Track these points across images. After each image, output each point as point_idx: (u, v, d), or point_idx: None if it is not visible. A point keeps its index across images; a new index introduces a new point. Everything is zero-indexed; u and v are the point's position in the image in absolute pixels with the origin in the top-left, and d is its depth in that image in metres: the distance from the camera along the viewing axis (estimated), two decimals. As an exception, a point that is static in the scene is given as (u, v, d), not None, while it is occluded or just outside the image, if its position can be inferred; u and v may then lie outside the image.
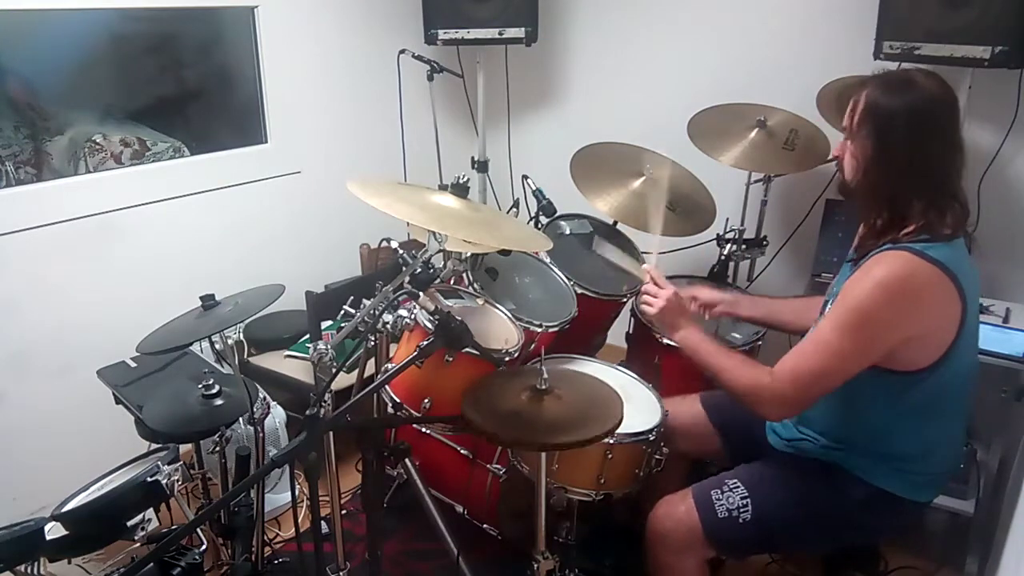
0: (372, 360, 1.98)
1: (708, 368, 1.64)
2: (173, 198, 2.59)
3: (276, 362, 2.61)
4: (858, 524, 1.64)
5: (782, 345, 2.43)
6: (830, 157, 1.63)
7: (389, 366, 1.85)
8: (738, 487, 1.65)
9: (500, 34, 2.86)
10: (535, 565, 1.66)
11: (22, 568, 1.47)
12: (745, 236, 2.55)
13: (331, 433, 1.59)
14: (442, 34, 2.90)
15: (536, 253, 2.31)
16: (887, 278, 1.41)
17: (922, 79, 1.47)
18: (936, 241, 1.43)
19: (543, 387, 1.55)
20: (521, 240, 1.83)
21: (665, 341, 2.17)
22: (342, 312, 1.73)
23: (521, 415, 1.52)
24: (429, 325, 1.65)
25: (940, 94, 1.45)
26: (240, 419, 1.93)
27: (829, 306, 1.60)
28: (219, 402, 1.82)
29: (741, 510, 1.62)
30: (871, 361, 1.46)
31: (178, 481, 1.63)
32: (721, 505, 1.63)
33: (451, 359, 1.70)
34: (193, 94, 3.19)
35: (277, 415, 2.42)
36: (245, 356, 2.67)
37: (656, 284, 1.79)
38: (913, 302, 1.41)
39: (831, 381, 1.48)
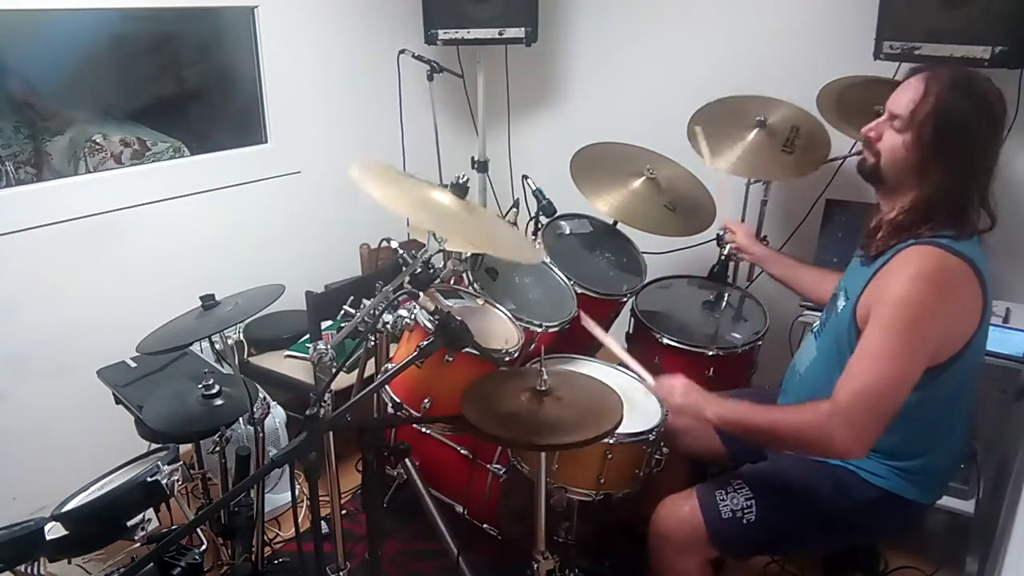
0: (372, 360, 1.98)
1: (759, 429, 1.54)
2: (173, 198, 2.59)
3: (276, 362, 2.61)
4: (862, 525, 1.64)
5: (781, 346, 2.45)
6: (863, 132, 1.57)
7: (389, 366, 1.85)
8: (743, 488, 1.65)
9: (500, 34, 2.86)
10: (535, 565, 1.66)
11: (22, 568, 1.47)
12: (745, 236, 2.55)
13: (331, 433, 1.59)
14: (442, 34, 2.90)
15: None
16: (923, 270, 1.41)
17: (988, 86, 1.47)
18: (960, 238, 1.44)
19: (543, 388, 1.55)
20: (511, 247, 1.80)
21: (665, 341, 2.18)
22: (342, 312, 1.73)
23: (521, 416, 1.52)
24: (429, 325, 1.65)
25: (1002, 101, 1.47)
26: (240, 419, 1.93)
27: (840, 302, 1.60)
28: (219, 402, 1.82)
29: (745, 511, 1.62)
30: (926, 360, 1.42)
31: (178, 481, 1.62)
32: (725, 506, 1.63)
33: (451, 359, 1.70)
34: (193, 94, 3.19)
35: (277, 415, 2.42)
36: (245, 356, 2.67)
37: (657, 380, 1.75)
38: (948, 293, 1.42)
39: (896, 391, 1.39)
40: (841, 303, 1.60)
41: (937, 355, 1.45)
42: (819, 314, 1.79)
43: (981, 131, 1.45)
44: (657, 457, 1.84)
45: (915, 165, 1.49)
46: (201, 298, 1.83)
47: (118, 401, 2.02)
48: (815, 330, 1.74)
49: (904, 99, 1.49)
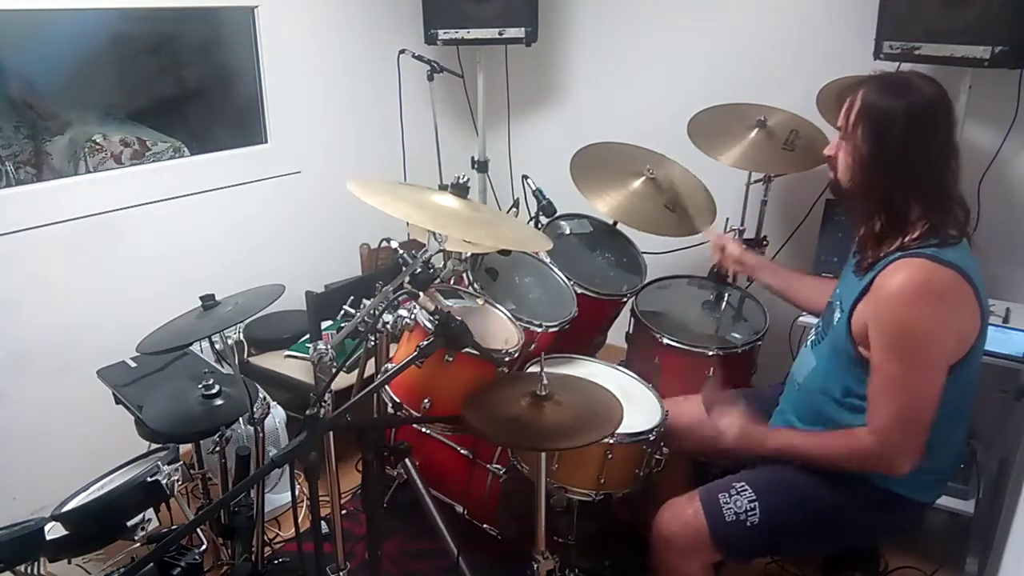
0: (372, 360, 1.98)
1: (812, 458, 1.59)
2: (173, 198, 2.59)
3: (276, 362, 2.61)
4: (863, 525, 1.64)
5: (782, 346, 2.46)
6: (825, 155, 1.62)
7: (389, 366, 1.85)
8: (746, 490, 1.65)
9: (500, 34, 2.86)
10: (535, 565, 1.66)
11: (22, 568, 1.47)
12: (745, 236, 2.55)
13: (331, 433, 1.59)
14: (442, 34, 2.90)
15: (536, 253, 2.31)
16: (915, 289, 1.41)
17: (919, 81, 1.48)
18: (945, 245, 1.44)
19: (543, 393, 1.55)
20: (520, 240, 1.83)
21: (665, 341, 2.17)
22: (342, 312, 1.73)
23: (521, 421, 1.52)
24: (429, 325, 1.65)
25: (936, 96, 1.47)
26: (240, 419, 1.93)
27: (836, 314, 1.61)
28: (219, 402, 1.82)
29: (749, 513, 1.61)
30: (944, 370, 1.44)
31: (178, 481, 1.63)
32: (729, 508, 1.62)
33: (451, 359, 1.70)
34: (193, 94, 3.20)
35: (277, 415, 2.42)
36: (245, 356, 2.67)
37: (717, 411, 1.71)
38: (940, 303, 1.42)
39: (924, 409, 1.45)
40: (837, 315, 1.60)
41: (950, 358, 1.46)
42: (816, 317, 1.80)
43: (911, 127, 1.45)
44: (657, 457, 1.84)
45: (857, 170, 1.51)
46: (201, 298, 1.83)
47: (118, 401, 2.02)
48: (811, 341, 1.74)
49: (843, 111, 1.54)
